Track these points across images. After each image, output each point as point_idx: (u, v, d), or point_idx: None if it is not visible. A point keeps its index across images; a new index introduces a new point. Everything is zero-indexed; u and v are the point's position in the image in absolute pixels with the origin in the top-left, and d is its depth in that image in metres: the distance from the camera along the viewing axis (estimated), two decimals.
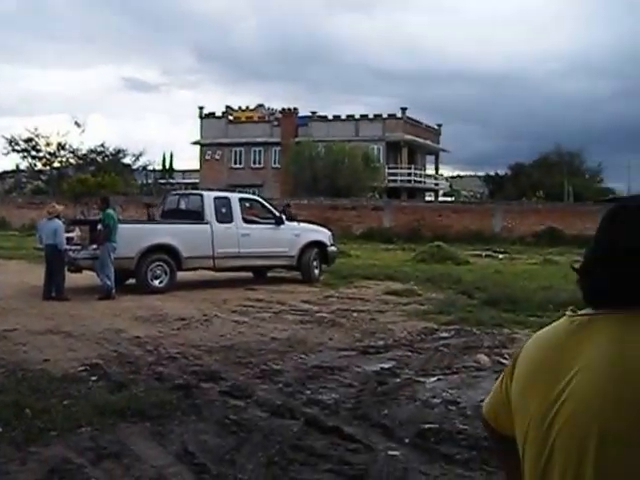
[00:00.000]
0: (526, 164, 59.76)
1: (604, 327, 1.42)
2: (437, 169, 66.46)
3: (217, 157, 59.58)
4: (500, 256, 25.96)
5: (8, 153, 54.51)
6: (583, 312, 1.50)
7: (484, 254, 26.17)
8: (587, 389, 1.38)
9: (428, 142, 61.45)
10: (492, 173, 63.69)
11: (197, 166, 61.37)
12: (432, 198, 58.52)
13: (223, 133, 59.54)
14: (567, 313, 1.54)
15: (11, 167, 58.91)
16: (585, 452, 1.36)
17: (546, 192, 45.79)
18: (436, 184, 62.94)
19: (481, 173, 69.55)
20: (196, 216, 15.78)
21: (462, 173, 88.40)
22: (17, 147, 53.30)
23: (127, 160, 56.00)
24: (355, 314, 12.06)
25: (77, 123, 53.31)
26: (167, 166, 64.90)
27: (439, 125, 66.08)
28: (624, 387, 1.34)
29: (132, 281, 14.71)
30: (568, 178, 49.48)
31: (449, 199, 56.56)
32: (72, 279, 14.25)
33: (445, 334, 10.34)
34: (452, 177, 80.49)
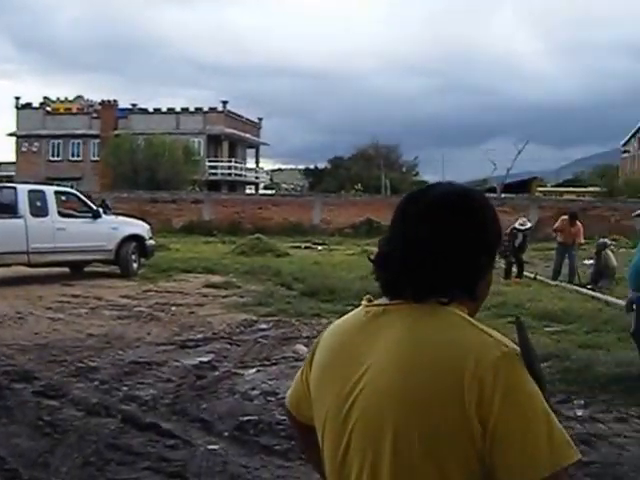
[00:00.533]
0: (345, 158, 61.79)
1: (398, 318, 1.46)
2: (258, 162, 67.17)
3: (34, 149, 57.12)
4: (319, 247, 26.48)
5: None
6: (378, 302, 1.53)
7: (303, 246, 26.59)
8: (379, 383, 1.41)
9: (249, 136, 62.02)
10: (312, 166, 65.43)
11: (13, 158, 58.37)
12: (253, 191, 59.02)
13: (40, 125, 57.23)
14: (363, 302, 1.57)
15: None
16: (381, 446, 1.39)
17: (364, 185, 47.66)
18: (257, 177, 63.79)
19: (301, 166, 71.28)
20: (9, 210, 15.04)
21: (283, 166, 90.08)
22: None
23: None
24: (174, 308, 11.97)
25: None
26: None
27: (260, 119, 67.00)
28: (414, 379, 1.37)
29: None
30: (385, 171, 51.74)
31: (270, 192, 57.31)
32: None
33: (264, 326, 10.47)
34: (273, 170, 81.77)
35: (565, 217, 17.00)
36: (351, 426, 1.44)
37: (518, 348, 1.39)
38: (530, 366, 1.38)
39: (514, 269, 16.88)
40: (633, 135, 61.19)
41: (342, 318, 1.64)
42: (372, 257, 1.56)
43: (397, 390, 1.38)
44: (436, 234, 1.45)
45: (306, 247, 26.49)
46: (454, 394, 1.33)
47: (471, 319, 1.45)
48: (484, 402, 1.32)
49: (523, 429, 1.31)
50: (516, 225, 17.04)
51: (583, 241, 17.31)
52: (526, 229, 17.00)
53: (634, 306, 7.59)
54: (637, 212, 7.52)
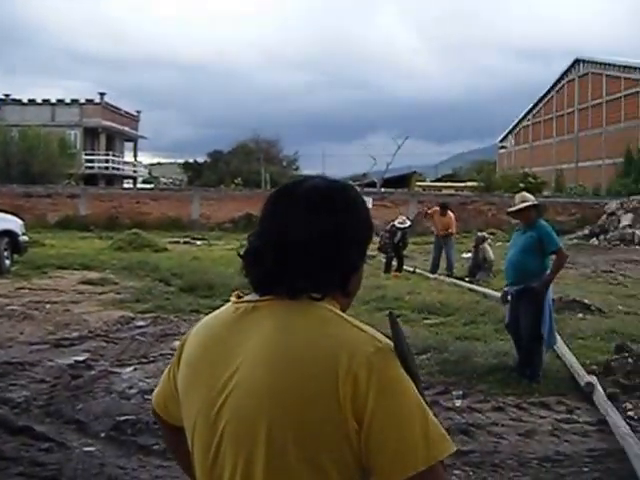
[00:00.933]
0: (225, 152, 61.43)
1: (268, 314, 1.45)
2: (136, 156, 66.10)
3: None
4: (198, 242, 26.38)
5: None
6: (248, 298, 1.52)
7: (182, 241, 26.38)
8: (250, 382, 1.40)
9: (127, 129, 61.08)
10: (191, 160, 64.63)
11: None
12: (131, 185, 57.70)
13: None
14: (232, 299, 1.55)
15: None
16: (254, 447, 1.38)
17: (244, 179, 47.60)
18: (135, 171, 62.75)
19: (181, 160, 70.35)
20: None
21: (162, 160, 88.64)
22: None
23: None
24: (48, 306, 11.58)
25: None
26: None
27: (138, 112, 65.92)
28: (287, 377, 1.37)
29: None
30: (265, 166, 51.83)
31: (148, 186, 56.29)
32: None
33: (142, 323, 10.33)
34: (152, 164, 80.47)
35: (436, 208, 17.58)
36: (222, 427, 1.42)
37: (392, 343, 1.41)
38: (404, 361, 1.40)
39: (394, 263, 17.30)
40: (510, 131, 64.09)
41: (211, 315, 1.62)
42: (242, 253, 1.54)
43: (269, 389, 1.37)
44: (309, 229, 1.45)
45: (185, 242, 26.25)
46: (328, 391, 1.34)
47: (344, 315, 1.46)
48: (359, 399, 1.33)
49: (398, 424, 1.34)
50: (395, 223, 17.49)
51: (455, 231, 17.84)
52: (405, 227, 17.46)
53: (509, 298, 7.94)
54: (510, 209, 7.84)
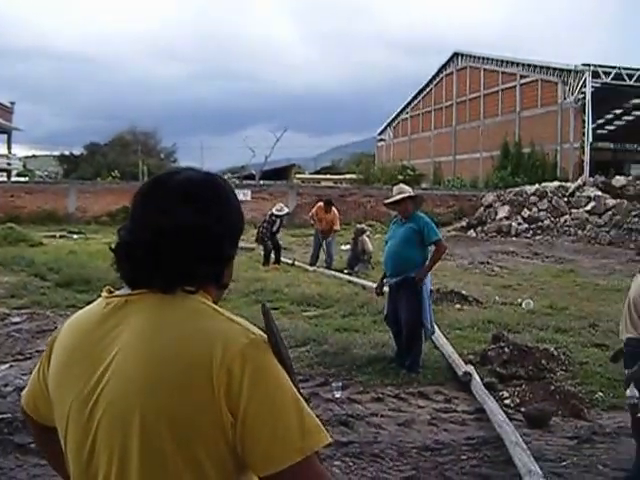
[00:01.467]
0: (102, 144, 59.97)
1: (141, 308, 1.45)
2: (10, 148, 63.16)
3: None
4: (75, 236, 25.87)
5: None
6: (120, 293, 1.52)
7: (59, 235, 25.84)
8: (125, 374, 1.40)
9: (0, 120, 57.95)
10: (67, 153, 62.61)
11: None
12: (4, 179, 55.12)
13: None
14: (103, 294, 1.54)
15: None
16: (129, 441, 1.38)
17: (121, 172, 46.52)
18: (9, 164, 60.06)
19: (57, 153, 67.98)
20: None
21: (37, 153, 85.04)
22: None
23: None
24: None
25: None
26: None
27: (12, 103, 63.24)
28: (160, 370, 1.37)
29: None
30: (143, 158, 50.82)
31: (23, 179, 54.10)
32: None
33: (17, 319, 10.10)
34: (27, 157, 77.16)
35: (320, 204, 17.79)
36: (96, 423, 1.42)
37: (265, 335, 1.45)
38: (277, 352, 1.43)
39: (272, 255, 17.37)
40: (389, 124, 65.47)
41: (80, 311, 1.61)
42: (113, 246, 1.53)
43: (142, 382, 1.38)
44: (182, 221, 1.46)
45: (61, 236, 25.68)
46: (202, 384, 1.35)
47: (217, 307, 1.48)
48: (233, 390, 1.35)
49: (272, 416, 1.36)
50: (273, 211, 17.57)
51: (339, 227, 18.18)
52: (284, 214, 17.58)
53: (384, 290, 8.13)
54: (388, 200, 7.99)
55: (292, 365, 1.48)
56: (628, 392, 4.64)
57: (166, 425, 1.36)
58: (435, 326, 8.13)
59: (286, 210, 17.99)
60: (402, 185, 8.24)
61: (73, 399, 1.45)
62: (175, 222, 1.46)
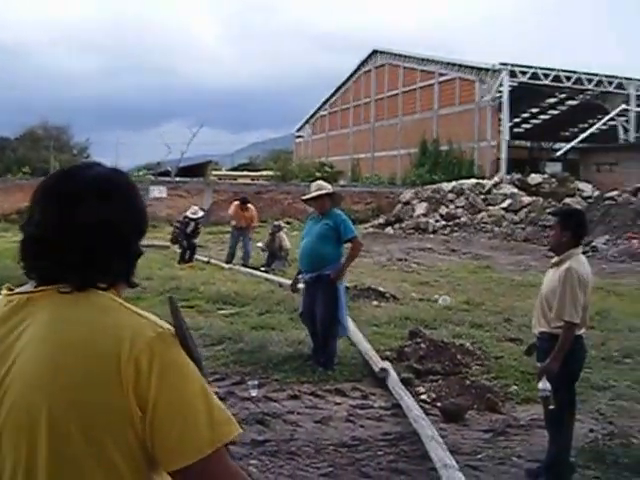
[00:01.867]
0: (12, 138, 58.02)
1: (46, 305, 1.44)
2: None
3: None
4: None
5: None
6: (21, 290, 1.50)
7: None
8: (29, 376, 1.38)
9: None
10: None
11: None
12: None
13: None
14: (3, 292, 1.52)
15: None
16: (36, 440, 1.36)
17: (32, 168, 45.12)
18: None
19: None
20: None
21: None
22: None
23: None
24: None
25: None
26: None
27: None
28: (68, 366, 1.37)
29: None
30: (55, 154, 49.50)
31: None
32: None
33: None
34: None
35: (237, 202, 17.77)
36: (2, 420, 1.39)
37: (172, 328, 1.46)
38: (185, 345, 1.45)
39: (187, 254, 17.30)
40: (307, 121, 65.65)
41: None
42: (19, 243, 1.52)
43: (49, 381, 1.36)
44: (94, 217, 1.46)
45: None
46: (111, 378, 1.35)
47: (125, 303, 1.48)
48: (141, 385, 1.36)
49: (181, 408, 1.38)
50: (188, 214, 17.58)
51: (257, 224, 18.19)
52: (197, 218, 17.54)
53: (298, 287, 8.18)
54: (305, 196, 8.04)
55: (200, 358, 1.49)
56: (540, 385, 4.81)
57: (75, 423, 1.35)
58: (350, 323, 8.22)
59: (201, 214, 17.99)
60: (320, 182, 8.29)
61: None
62: (86, 217, 1.45)
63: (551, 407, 4.86)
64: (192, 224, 17.42)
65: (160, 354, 1.38)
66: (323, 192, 7.83)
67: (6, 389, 1.39)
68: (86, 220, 1.45)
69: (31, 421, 1.36)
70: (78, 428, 1.35)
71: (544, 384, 4.78)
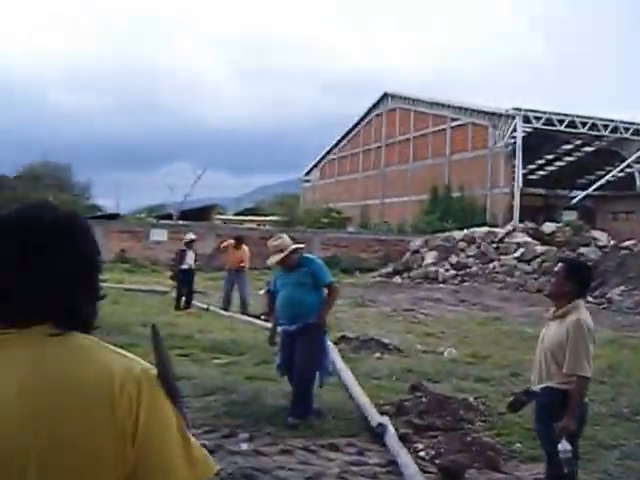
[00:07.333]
0: (11, 177, 58.56)
1: (20, 347, 1.43)
2: None
3: None
4: None
5: None
6: None
7: None
8: (12, 417, 1.37)
9: None
10: None
11: None
12: None
13: None
14: None
15: None
16: None
17: None
18: None
19: None
20: None
21: None
22: None
23: None
24: None
25: None
26: None
27: None
28: (56, 407, 1.37)
29: None
30: (55, 192, 49.90)
31: None
32: None
33: None
34: None
35: (231, 241, 17.76)
36: None
37: (154, 367, 1.49)
38: (165, 379, 1.48)
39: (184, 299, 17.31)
40: (315, 165, 66.18)
41: None
42: None
43: (38, 431, 1.36)
44: (64, 259, 1.48)
45: None
46: (105, 415, 1.38)
47: (100, 342, 1.50)
48: (132, 419, 1.40)
49: (161, 449, 1.41)
50: (184, 241, 18.03)
51: (248, 265, 18.03)
52: (189, 240, 17.83)
53: (277, 340, 8.12)
54: (272, 260, 7.87)
55: (178, 391, 1.52)
56: (560, 446, 4.68)
57: (69, 467, 1.35)
58: (349, 376, 8.15)
59: (193, 236, 18.06)
60: (276, 243, 7.82)
61: None
62: (56, 261, 1.47)
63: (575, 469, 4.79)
64: (189, 253, 17.49)
65: (147, 389, 1.43)
66: (286, 253, 7.72)
67: None
68: (54, 263, 1.46)
69: (19, 467, 1.35)
70: (70, 472, 1.36)
71: (564, 445, 4.66)
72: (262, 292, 17.36)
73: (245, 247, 17.72)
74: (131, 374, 1.44)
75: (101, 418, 1.38)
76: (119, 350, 1.51)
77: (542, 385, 4.99)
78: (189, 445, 1.45)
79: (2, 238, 1.50)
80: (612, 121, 43.71)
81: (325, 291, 7.82)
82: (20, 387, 1.39)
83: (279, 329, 8.04)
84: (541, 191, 48.46)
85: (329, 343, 7.77)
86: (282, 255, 7.69)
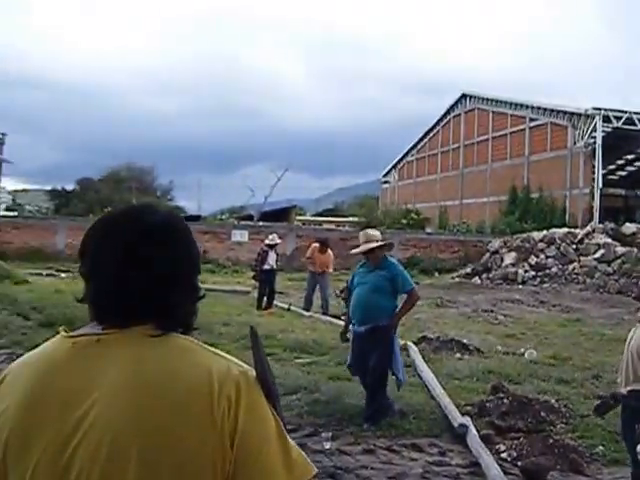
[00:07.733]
0: (95, 179, 59.97)
1: (122, 346, 1.45)
2: None
3: None
4: (63, 275, 25.57)
5: None
6: (85, 331, 1.51)
7: (45, 273, 25.64)
8: (115, 417, 1.38)
9: None
10: (59, 188, 62.59)
11: None
12: None
13: None
14: (62, 333, 1.53)
15: None
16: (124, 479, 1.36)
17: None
18: None
19: (49, 187, 67.99)
20: None
21: (28, 187, 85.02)
22: None
23: None
24: None
25: None
26: None
27: (3, 134, 63.19)
28: (157, 408, 1.39)
29: None
30: (138, 195, 50.90)
31: (11, 214, 53.94)
32: None
33: None
34: (16, 191, 77.12)
35: (316, 245, 17.85)
36: (77, 472, 1.37)
37: (253, 369, 1.50)
38: (264, 380, 1.49)
39: (265, 299, 17.51)
40: (394, 166, 65.82)
41: (30, 354, 1.58)
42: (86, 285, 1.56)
43: (138, 425, 1.37)
44: (168, 261, 1.50)
45: (48, 274, 25.46)
46: (203, 417, 1.39)
47: (200, 343, 1.52)
48: (230, 420, 1.40)
49: (261, 451, 1.41)
50: (265, 242, 18.13)
51: (331, 270, 18.08)
52: (275, 244, 17.98)
53: (348, 336, 8.12)
54: (355, 250, 7.93)
55: (277, 393, 1.53)
56: (639, 448, 4.60)
57: (167, 465, 1.36)
58: (430, 376, 8.13)
59: (278, 240, 18.19)
60: (368, 232, 8.11)
61: (41, 449, 1.39)
62: (160, 260, 1.49)
63: None
64: (272, 253, 17.67)
65: (245, 391, 1.43)
66: (374, 245, 7.76)
67: (84, 435, 1.38)
68: (157, 263, 1.49)
69: (118, 470, 1.36)
70: (170, 470, 1.36)
71: None
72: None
73: (330, 251, 17.75)
74: (230, 375, 1.44)
75: (201, 418, 1.38)
76: (218, 351, 1.52)
77: (629, 387, 4.90)
78: (288, 447, 1.45)
79: (109, 239, 1.53)
80: None
81: (403, 295, 7.82)
82: (122, 385, 1.40)
83: (350, 327, 8.05)
84: (621, 192, 47.09)
85: (409, 344, 7.72)
86: (372, 245, 7.72)
